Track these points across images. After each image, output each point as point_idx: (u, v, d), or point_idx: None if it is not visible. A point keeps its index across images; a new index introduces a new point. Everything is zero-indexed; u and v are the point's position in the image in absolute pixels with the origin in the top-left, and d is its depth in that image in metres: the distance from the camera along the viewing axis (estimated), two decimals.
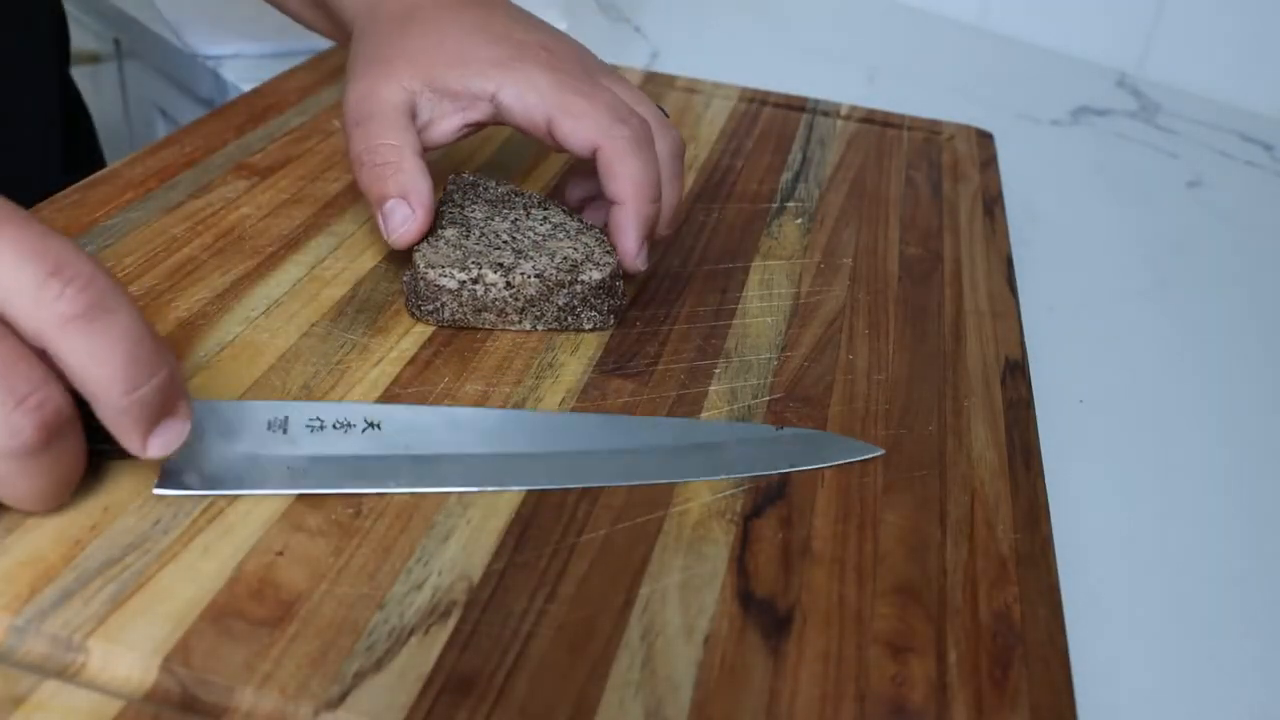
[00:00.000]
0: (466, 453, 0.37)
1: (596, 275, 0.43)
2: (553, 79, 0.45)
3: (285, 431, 0.36)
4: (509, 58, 0.46)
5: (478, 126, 0.48)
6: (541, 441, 0.38)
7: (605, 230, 0.45)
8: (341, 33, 0.55)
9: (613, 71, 0.49)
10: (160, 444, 0.31)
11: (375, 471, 0.36)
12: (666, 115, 0.48)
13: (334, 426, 0.36)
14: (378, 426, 0.36)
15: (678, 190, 0.47)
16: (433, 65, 0.46)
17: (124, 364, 0.29)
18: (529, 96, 0.45)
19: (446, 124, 0.47)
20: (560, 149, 0.46)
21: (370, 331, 0.43)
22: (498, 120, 0.47)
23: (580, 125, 0.44)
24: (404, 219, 0.43)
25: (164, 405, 0.31)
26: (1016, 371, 0.46)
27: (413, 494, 0.35)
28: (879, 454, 0.39)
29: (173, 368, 0.31)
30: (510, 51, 0.46)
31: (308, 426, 0.36)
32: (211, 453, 0.35)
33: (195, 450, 0.34)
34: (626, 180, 0.44)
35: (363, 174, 0.44)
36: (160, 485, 0.34)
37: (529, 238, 0.44)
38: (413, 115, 0.46)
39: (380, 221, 0.44)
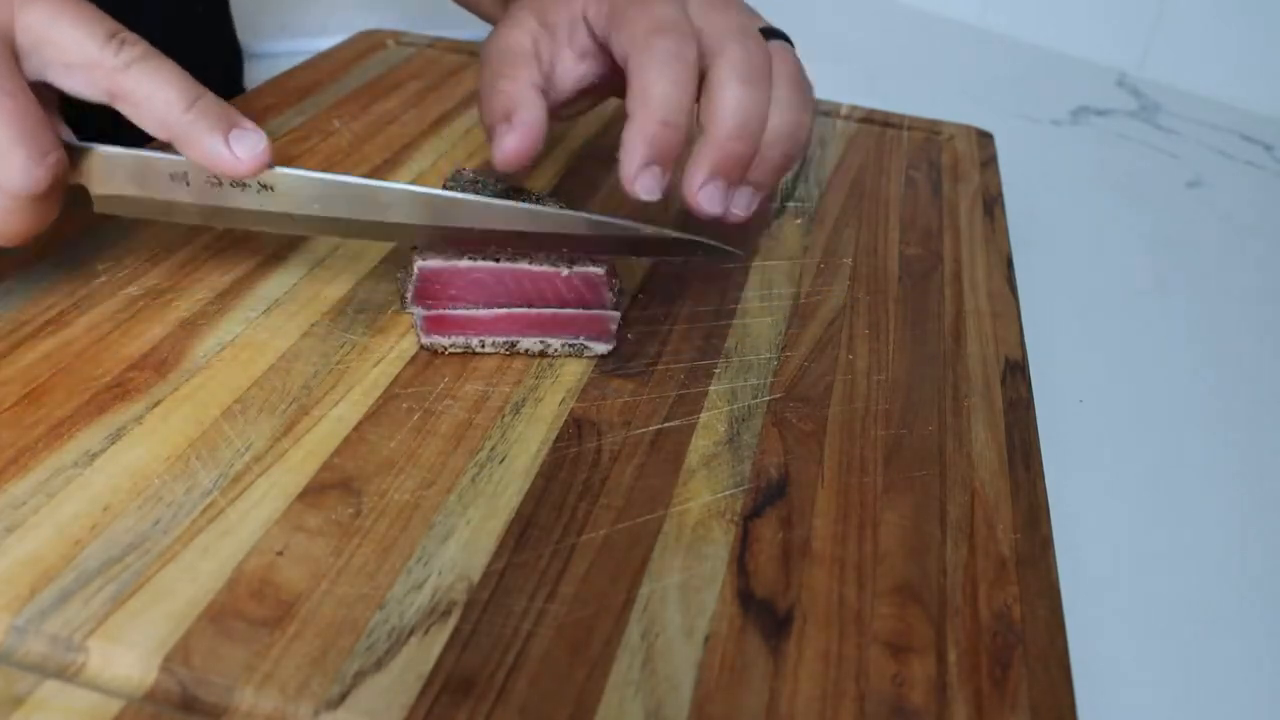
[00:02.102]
0: (345, 216, 0.41)
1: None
2: None
3: (188, 184, 0.40)
4: None
5: (603, 68, 0.46)
6: (420, 216, 0.41)
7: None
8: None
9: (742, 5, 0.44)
10: (244, 148, 0.38)
11: (276, 220, 0.41)
12: (791, 44, 0.45)
13: (230, 185, 0.40)
14: (270, 189, 0.40)
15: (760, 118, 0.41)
16: (545, 4, 0.45)
17: (179, 84, 0.37)
18: (602, 7, 0.43)
19: (564, 59, 0.45)
20: None
21: (370, 331, 0.43)
22: (611, 57, 0.44)
23: (620, 35, 0.41)
24: (503, 134, 0.42)
25: (225, 116, 0.38)
26: (1016, 371, 0.46)
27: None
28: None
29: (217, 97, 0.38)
30: None
31: (207, 182, 0.40)
32: (128, 192, 0.40)
33: (116, 186, 0.40)
34: (637, 94, 0.40)
35: (481, 107, 0.44)
36: (98, 208, 0.40)
37: None
38: (538, 58, 0.45)
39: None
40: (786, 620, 0.33)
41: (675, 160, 0.41)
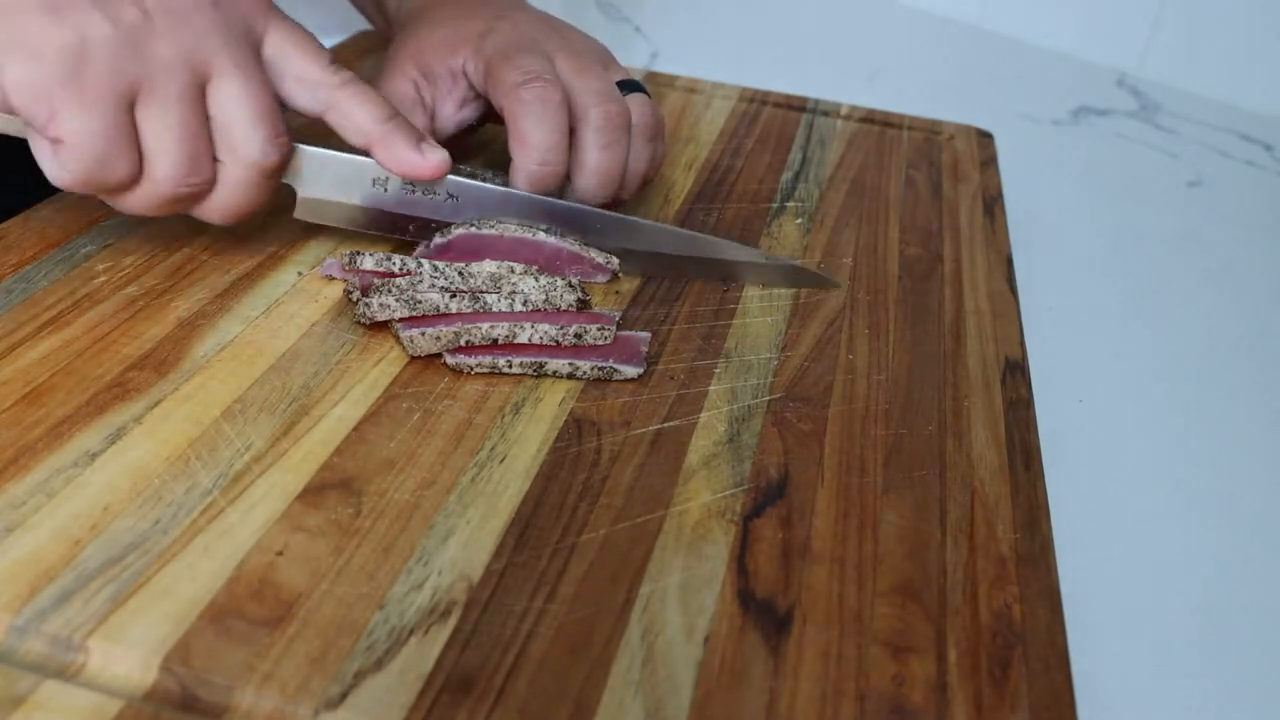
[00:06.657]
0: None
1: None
2: (498, 46, 0.48)
3: (386, 190, 0.46)
4: (478, 34, 0.49)
5: (480, 111, 0.51)
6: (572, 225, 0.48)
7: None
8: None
9: (589, 53, 0.50)
10: (434, 156, 0.44)
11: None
12: (647, 94, 0.50)
13: (422, 193, 0.46)
14: (456, 198, 0.47)
15: (609, 159, 0.48)
16: (425, 54, 0.50)
17: (380, 103, 0.44)
18: (479, 65, 0.49)
19: (445, 108, 0.51)
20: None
21: (370, 331, 0.43)
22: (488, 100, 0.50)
23: (494, 89, 0.47)
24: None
25: (417, 131, 0.45)
26: (1016, 371, 0.46)
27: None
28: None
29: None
30: (482, 28, 0.50)
31: (403, 189, 0.46)
32: (330, 196, 0.46)
33: (322, 189, 0.46)
34: (515, 139, 0.46)
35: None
36: (298, 213, 0.46)
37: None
38: (422, 104, 0.50)
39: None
40: (786, 620, 0.33)
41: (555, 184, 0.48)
